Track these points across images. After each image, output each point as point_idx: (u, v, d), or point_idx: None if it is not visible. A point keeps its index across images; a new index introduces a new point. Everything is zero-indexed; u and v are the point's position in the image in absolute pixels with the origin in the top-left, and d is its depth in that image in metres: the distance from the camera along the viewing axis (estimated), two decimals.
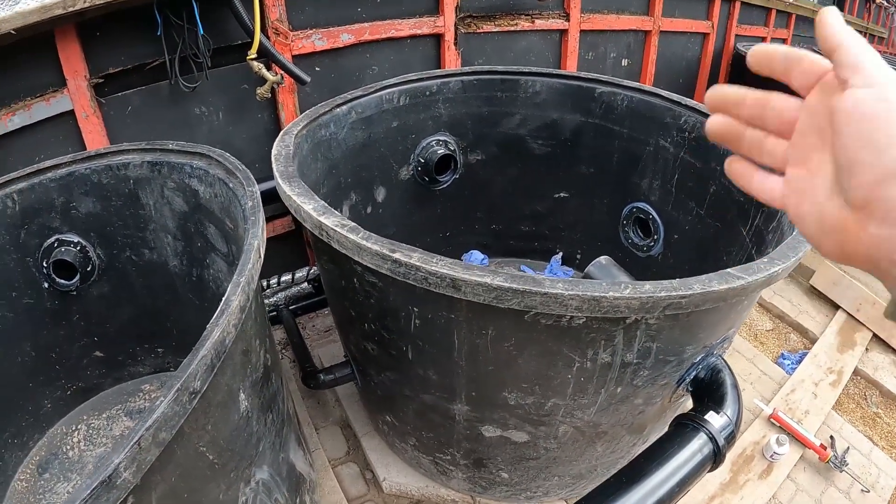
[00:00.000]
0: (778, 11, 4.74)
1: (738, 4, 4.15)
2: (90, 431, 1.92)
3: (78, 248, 1.74)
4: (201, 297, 1.86)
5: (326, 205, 1.32)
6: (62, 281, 1.75)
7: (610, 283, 1.07)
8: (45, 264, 1.70)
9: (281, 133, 1.71)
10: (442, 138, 2.31)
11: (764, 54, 0.41)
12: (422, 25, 2.46)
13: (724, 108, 0.45)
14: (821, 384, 2.55)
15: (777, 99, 0.42)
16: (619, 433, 1.53)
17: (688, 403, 1.44)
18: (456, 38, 2.58)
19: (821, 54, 0.39)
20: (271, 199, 1.56)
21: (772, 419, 2.27)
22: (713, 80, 4.30)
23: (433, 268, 1.09)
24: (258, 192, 1.35)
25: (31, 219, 1.64)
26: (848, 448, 2.24)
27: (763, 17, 4.65)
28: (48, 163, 1.64)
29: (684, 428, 1.29)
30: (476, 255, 2.67)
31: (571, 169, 2.44)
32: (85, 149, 1.86)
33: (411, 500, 1.93)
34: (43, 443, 1.86)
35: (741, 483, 2.07)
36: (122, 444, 0.76)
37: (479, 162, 2.46)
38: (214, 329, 0.92)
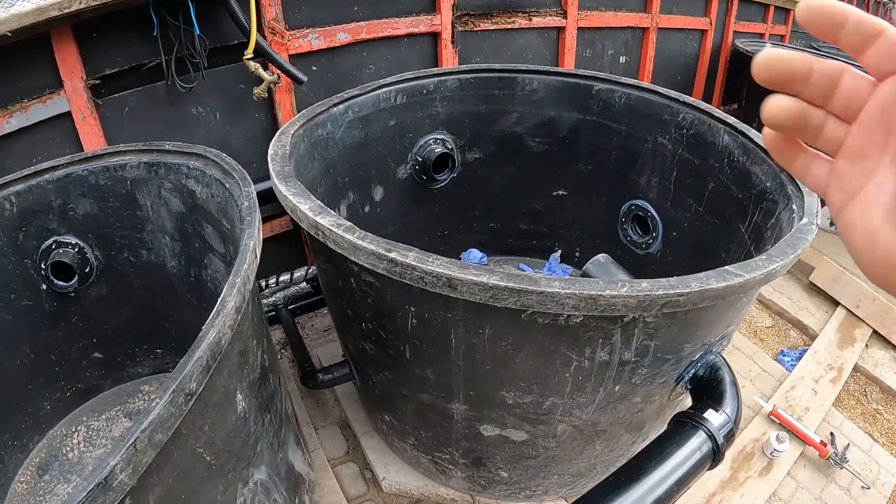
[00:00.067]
0: (776, 7, 4.72)
1: (735, 1, 4.14)
2: (90, 433, 1.92)
3: (76, 249, 1.74)
4: (199, 297, 1.86)
5: (322, 204, 1.32)
6: (60, 282, 1.75)
7: (607, 282, 1.06)
8: (43, 266, 1.70)
9: (277, 133, 1.71)
10: (439, 137, 2.31)
11: (829, 10, 0.30)
12: (419, 24, 2.45)
13: (790, 84, 0.34)
14: (821, 381, 2.54)
15: (851, 77, 0.33)
16: (617, 431, 1.53)
17: (687, 401, 1.44)
18: (453, 37, 2.57)
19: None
20: (269, 199, 1.55)
21: (772, 416, 2.27)
22: (711, 76, 4.29)
23: (429, 267, 1.09)
24: (254, 193, 1.35)
25: (28, 221, 1.64)
26: (848, 445, 2.23)
27: (761, 13, 4.64)
28: (45, 164, 1.64)
29: (683, 426, 1.29)
30: (474, 254, 2.66)
31: (569, 167, 2.43)
32: (82, 150, 1.86)
33: (411, 499, 1.93)
34: (43, 444, 1.87)
35: (741, 480, 2.07)
36: (118, 445, 0.76)
37: (477, 160, 2.46)
38: (210, 330, 0.92)
